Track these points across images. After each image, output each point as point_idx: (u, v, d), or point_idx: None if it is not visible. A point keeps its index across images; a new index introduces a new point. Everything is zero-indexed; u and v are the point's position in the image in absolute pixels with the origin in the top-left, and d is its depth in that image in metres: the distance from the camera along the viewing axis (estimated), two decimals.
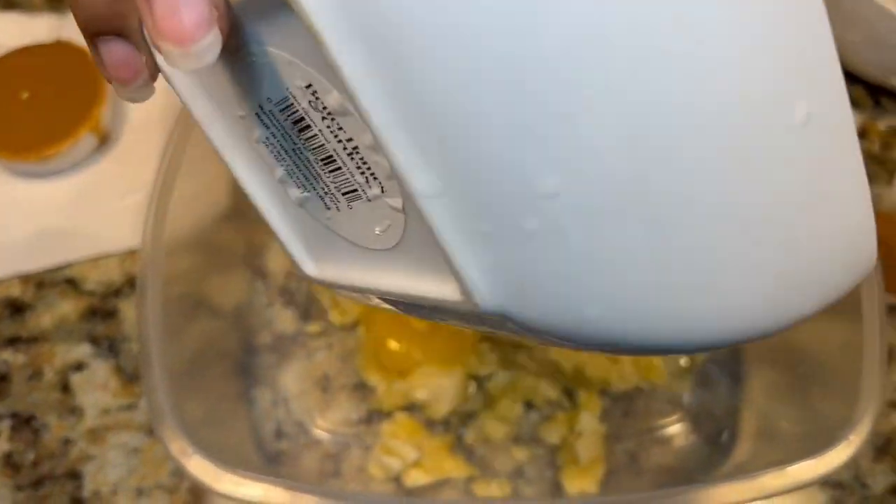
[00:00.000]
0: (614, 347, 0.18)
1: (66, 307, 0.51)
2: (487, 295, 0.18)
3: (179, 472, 0.44)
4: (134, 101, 0.22)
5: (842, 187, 0.18)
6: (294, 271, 0.52)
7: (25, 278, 0.51)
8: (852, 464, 0.47)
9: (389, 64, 0.16)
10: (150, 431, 0.47)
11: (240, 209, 0.50)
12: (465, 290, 0.18)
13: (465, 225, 0.17)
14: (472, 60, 0.15)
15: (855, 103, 0.59)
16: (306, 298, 0.51)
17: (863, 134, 0.58)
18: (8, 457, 0.47)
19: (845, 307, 0.41)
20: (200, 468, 0.37)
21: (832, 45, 0.18)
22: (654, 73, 0.15)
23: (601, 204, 0.16)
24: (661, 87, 0.16)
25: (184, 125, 0.44)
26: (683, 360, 0.49)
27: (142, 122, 0.55)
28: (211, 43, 0.18)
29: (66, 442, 0.47)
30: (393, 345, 0.47)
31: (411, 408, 0.47)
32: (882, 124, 0.58)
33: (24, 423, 0.48)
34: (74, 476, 0.46)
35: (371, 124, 0.17)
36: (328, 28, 0.16)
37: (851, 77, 0.59)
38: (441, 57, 0.16)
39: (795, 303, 0.18)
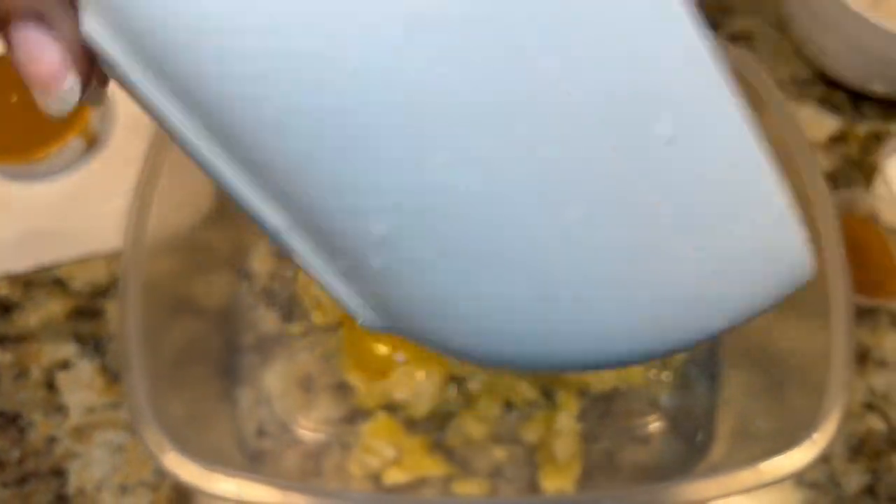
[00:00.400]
0: (495, 364, 0.19)
1: (54, 307, 0.52)
2: (368, 317, 0.19)
3: (162, 470, 0.45)
4: (63, 112, 0.19)
5: (737, 209, 0.17)
6: (278, 273, 0.53)
7: (14, 278, 0.52)
8: (827, 464, 0.47)
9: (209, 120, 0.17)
10: (134, 430, 0.48)
11: (224, 211, 0.51)
12: (350, 312, 0.19)
13: (327, 259, 0.18)
14: (283, 122, 0.16)
15: (835, 108, 0.60)
16: (289, 299, 0.52)
17: (842, 138, 0.59)
18: None
19: (816, 310, 0.42)
20: (179, 465, 0.37)
21: (707, 55, 0.17)
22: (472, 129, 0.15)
23: (427, 249, 0.16)
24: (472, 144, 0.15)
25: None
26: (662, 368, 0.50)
27: (131, 125, 0.56)
28: (71, 87, 0.18)
29: (52, 440, 0.48)
30: (374, 345, 0.48)
31: (392, 407, 0.48)
32: (861, 129, 0.59)
33: (10, 421, 0.48)
34: (59, 473, 0.47)
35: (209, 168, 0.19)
36: (139, 84, 0.17)
37: (832, 83, 0.60)
38: (252, 116, 0.16)
39: (685, 323, 0.18)
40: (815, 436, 0.38)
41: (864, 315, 0.52)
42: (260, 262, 0.53)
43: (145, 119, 0.22)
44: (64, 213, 0.54)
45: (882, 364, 0.51)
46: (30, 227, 0.53)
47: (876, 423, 0.49)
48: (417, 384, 0.47)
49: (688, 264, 0.17)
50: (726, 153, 0.16)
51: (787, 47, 0.62)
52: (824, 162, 0.58)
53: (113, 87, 0.21)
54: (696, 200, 0.17)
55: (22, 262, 0.52)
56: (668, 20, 0.16)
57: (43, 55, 0.17)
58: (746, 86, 0.45)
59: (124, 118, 0.56)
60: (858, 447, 0.48)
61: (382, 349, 0.48)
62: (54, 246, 0.53)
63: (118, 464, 0.47)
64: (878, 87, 0.57)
